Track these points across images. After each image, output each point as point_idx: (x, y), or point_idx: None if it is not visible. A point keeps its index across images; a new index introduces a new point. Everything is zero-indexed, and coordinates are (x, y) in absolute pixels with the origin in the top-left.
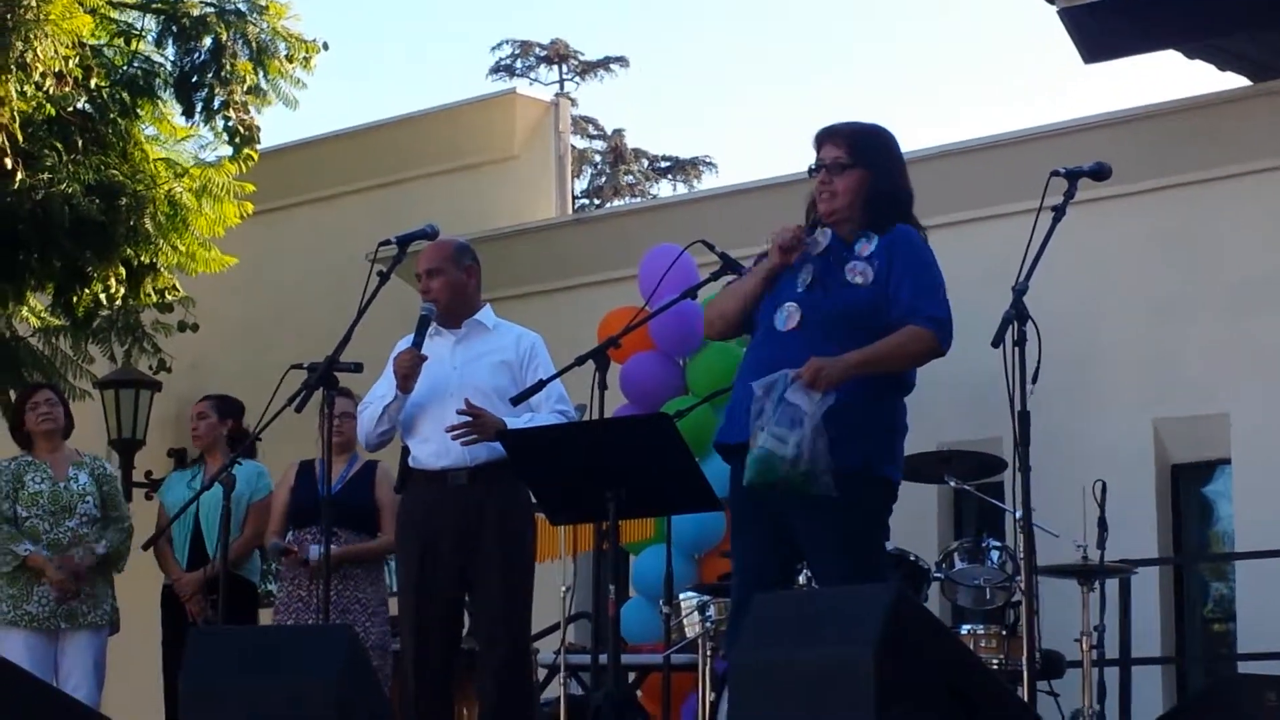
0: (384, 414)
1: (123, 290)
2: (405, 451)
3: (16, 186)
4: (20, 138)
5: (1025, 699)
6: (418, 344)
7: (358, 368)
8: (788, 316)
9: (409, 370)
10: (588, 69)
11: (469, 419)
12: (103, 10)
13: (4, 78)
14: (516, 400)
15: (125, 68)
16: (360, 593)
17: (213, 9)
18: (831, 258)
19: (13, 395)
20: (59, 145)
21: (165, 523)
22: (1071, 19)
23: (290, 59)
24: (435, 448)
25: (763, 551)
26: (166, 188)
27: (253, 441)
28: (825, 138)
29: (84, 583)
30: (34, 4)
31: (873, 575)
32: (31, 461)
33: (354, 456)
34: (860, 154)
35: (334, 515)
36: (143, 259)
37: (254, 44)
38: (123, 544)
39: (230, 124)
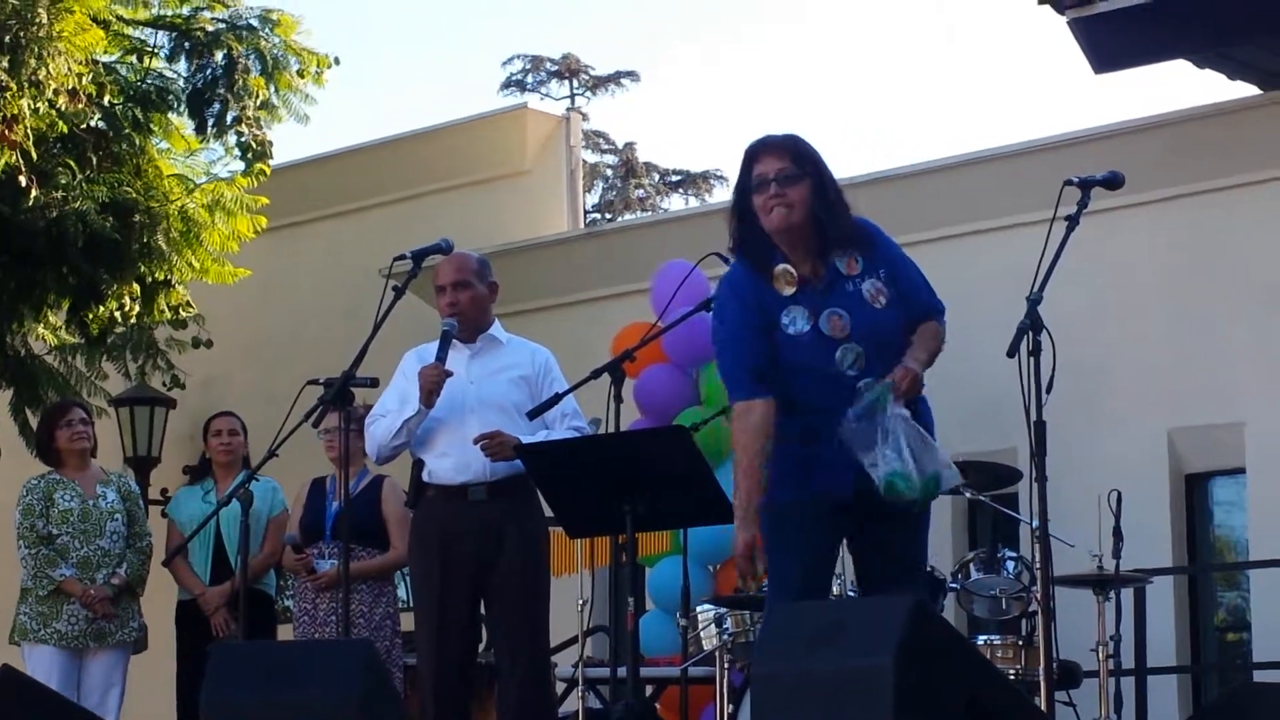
0: (402, 428)
1: (137, 307)
2: (418, 466)
3: (31, 204)
4: (34, 155)
5: (1042, 709)
6: (441, 359)
7: (373, 383)
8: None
9: (435, 385)
10: (599, 83)
11: (490, 440)
12: (116, 27)
13: (18, 95)
14: (533, 414)
15: (138, 84)
16: (363, 606)
17: (225, 25)
18: (835, 288)
19: (29, 413)
20: (72, 163)
21: (181, 538)
22: (1081, 29)
23: (302, 74)
24: (454, 462)
25: (822, 565)
26: (179, 203)
27: (269, 457)
28: (760, 151)
29: (112, 606)
30: (46, 21)
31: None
32: (60, 479)
33: (362, 471)
34: (804, 162)
35: (345, 530)
36: (156, 275)
37: (266, 59)
38: (142, 566)
39: (243, 139)
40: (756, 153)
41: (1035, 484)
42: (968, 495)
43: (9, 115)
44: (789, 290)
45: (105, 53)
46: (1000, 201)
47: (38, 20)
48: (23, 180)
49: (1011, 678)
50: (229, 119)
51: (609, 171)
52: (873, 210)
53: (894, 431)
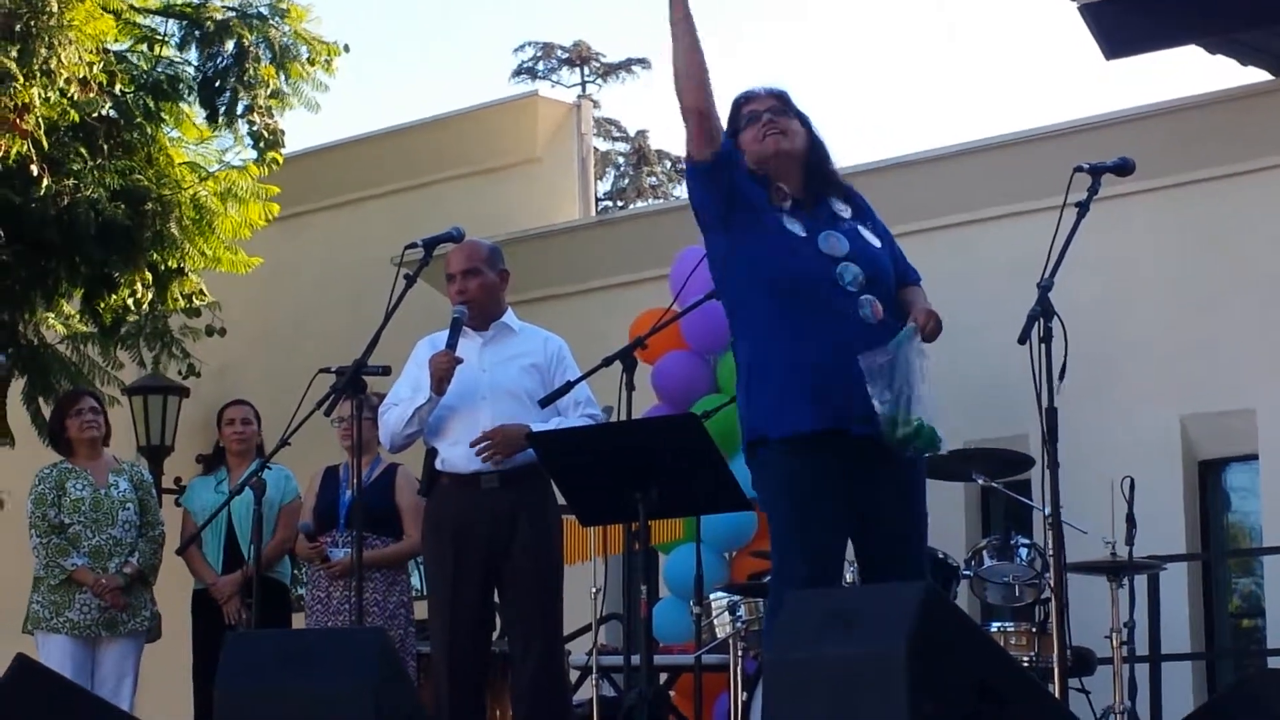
0: (414, 416)
1: (150, 295)
2: (431, 454)
3: (43, 193)
4: (45, 144)
5: (1056, 696)
6: (451, 346)
7: (385, 370)
8: (873, 307)
9: (445, 373)
10: (610, 71)
11: (490, 440)
12: (126, 15)
13: (29, 84)
14: (545, 402)
15: (149, 72)
16: (377, 595)
17: (235, 13)
18: (831, 221)
19: (42, 402)
20: (84, 151)
21: (194, 528)
22: (1092, 15)
23: (312, 62)
24: (466, 450)
25: (839, 533)
26: (191, 191)
27: (281, 445)
28: (749, 97)
29: (124, 596)
30: (57, 10)
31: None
32: (72, 468)
33: (376, 459)
34: (791, 106)
35: (359, 518)
36: (169, 263)
37: (276, 47)
38: (155, 555)
39: (254, 128)
40: (746, 98)
41: (1048, 470)
42: (980, 482)
43: (20, 104)
44: (785, 203)
45: (116, 41)
46: (1011, 188)
47: (49, 9)
48: (34, 169)
49: (1025, 665)
50: (240, 107)
51: (621, 159)
52: (881, 197)
53: (914, 372)
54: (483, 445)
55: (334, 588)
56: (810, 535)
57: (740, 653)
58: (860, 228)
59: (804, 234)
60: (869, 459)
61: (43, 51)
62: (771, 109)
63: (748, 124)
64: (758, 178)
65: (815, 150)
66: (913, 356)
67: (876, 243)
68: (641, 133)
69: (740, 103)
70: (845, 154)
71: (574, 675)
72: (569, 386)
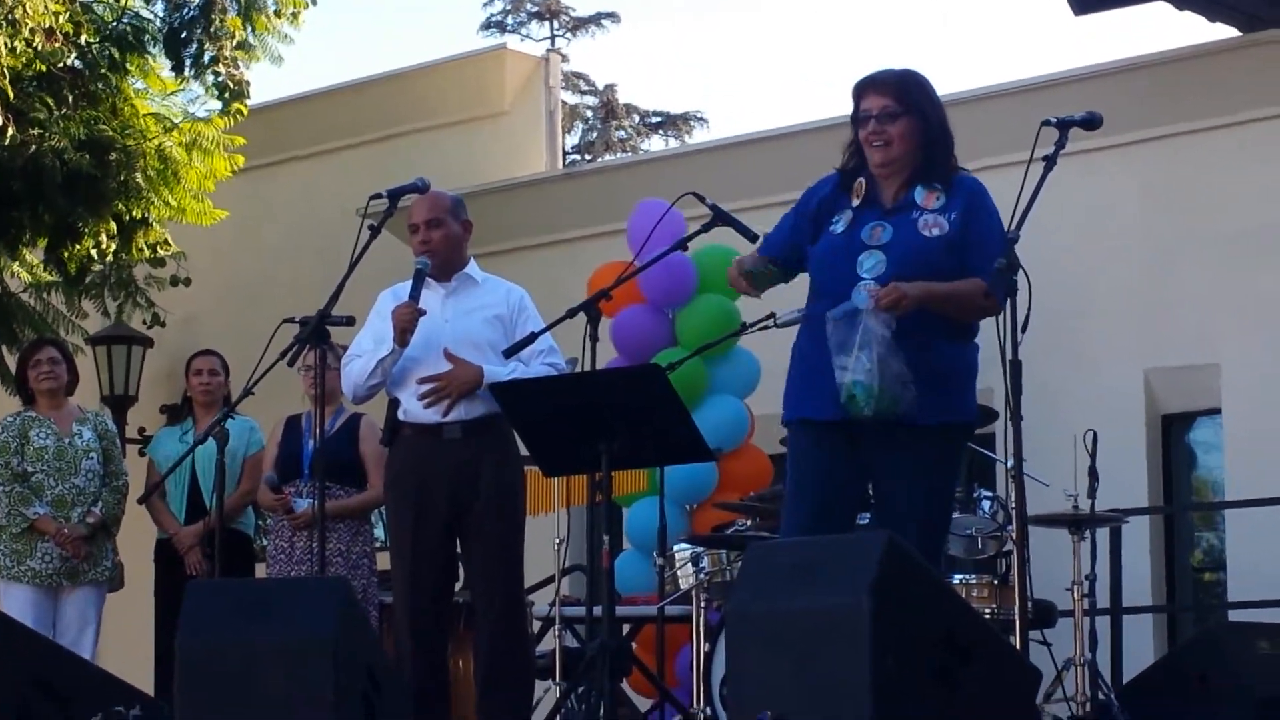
0: (377, 367)
1: (114, 245)
2: (393, 404)
3: (7, 142)
4: (10, 94)
5: (1018, 648)
6: (414, 297)
7: (349, 321)
8: (868, 291)
9: (408, 324)
10: (579, 25)
11: (438, 386)
12: None
13: None
14: (509, 353)
15: (115, 23)
16: (340, 544)
17: None
18: (900, 212)
19: (5, 351)
20: (49, 101)
21: (159, 477)
22: None
23: (279, 14)
24: (429, 401)
25: (838, 491)
26: (156, 142)
27: (244, 395)
28: (867, 87)
29: (86, 545)
30: None
31: (947, 522)
32: (36, 417)
33: (339, 409)
34: (908, 101)
35: (321, 468)
36: (134, 213)
37: None
38: (118, 505)
39: (220, 79)
40: (864, 89)
41: (1011, 424)
42: None
43: None
44: (856, 201)
45: None
46: (978, 143)
47: None
48: None
49: (987, 617)
50: (206, 59)
51: (589, 113)
52: None
53: (867, 342)
54: (429, 389)
55: (297, 538)
56: (806, 497)
57: (703, 604)
58: (928, 217)
59: (844, 228)
60: (876, 439)
61: (8, 1)
62: (881, 112)
63: (862, 122)
64: (853, 175)
65: (924, 147)
66: (864, 325)
67: (935, 232)
68: (610, 86)
69: (859, 93)
70: (810, 110)
71: (536, 626)
72: (533, 337)
